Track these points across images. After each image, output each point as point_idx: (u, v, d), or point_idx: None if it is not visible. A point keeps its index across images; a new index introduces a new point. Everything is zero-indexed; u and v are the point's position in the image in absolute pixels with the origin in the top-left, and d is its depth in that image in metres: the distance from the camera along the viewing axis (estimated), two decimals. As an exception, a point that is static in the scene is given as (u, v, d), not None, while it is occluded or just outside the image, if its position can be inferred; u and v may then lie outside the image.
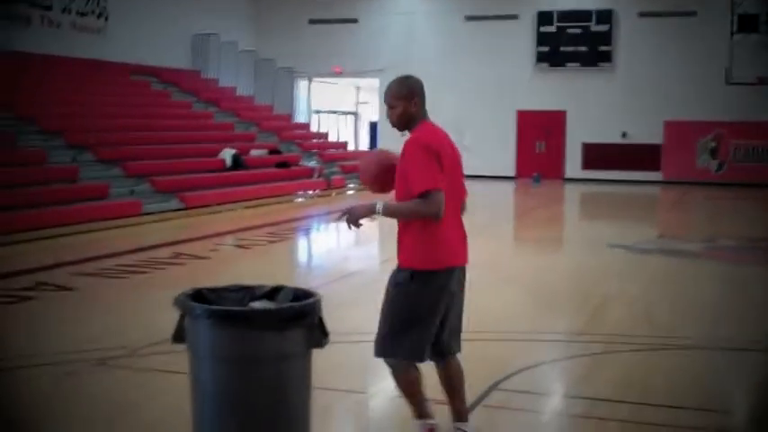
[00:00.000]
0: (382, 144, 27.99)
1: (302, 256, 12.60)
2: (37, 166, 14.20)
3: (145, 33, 22.40)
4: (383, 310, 4.21)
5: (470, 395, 4.54)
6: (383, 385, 5.28)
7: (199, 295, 3.76)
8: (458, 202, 4.27)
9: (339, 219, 4.18)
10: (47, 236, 11.79)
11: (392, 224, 4.24)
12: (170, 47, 23.99)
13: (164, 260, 10.36)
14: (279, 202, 17.99)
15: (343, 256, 12.16)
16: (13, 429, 4.57)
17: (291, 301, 3.79)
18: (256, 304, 3.78)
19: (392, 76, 4.42)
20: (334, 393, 5.18)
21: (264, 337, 3.49)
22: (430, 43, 26.54)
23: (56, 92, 17.64)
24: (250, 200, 17.24)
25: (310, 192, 19.91)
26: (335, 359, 5.15)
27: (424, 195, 3.98)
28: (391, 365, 4.23)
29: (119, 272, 9.44)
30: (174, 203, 15.39)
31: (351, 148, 28.80)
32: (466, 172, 4.49)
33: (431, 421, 4.27)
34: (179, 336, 3.65)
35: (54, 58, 18.90)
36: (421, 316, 4.10)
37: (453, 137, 4.38)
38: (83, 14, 20.79)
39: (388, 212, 4.08)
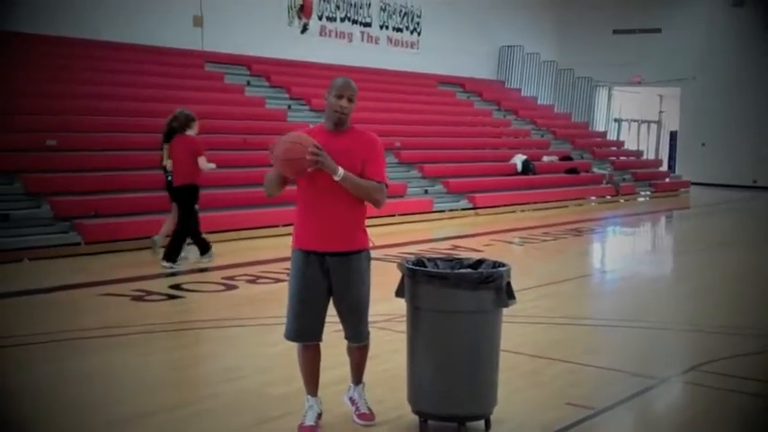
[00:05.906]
0: (681, 153, 27.67)
1: (560, 253, 12.80)
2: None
3: (453, 46, 24.13)
4: (361, 294, 4.66)
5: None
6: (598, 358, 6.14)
7: (420, 262, 4.92)
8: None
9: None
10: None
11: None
12: (478, 59, 25.64)
13: (441, 250, 11.68)
14: (566, 206, 18.78)
15: (602, 256, 13.05)
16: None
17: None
18: (460, 271, 4.86)
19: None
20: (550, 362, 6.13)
21: (459, 294, 4.54)
22: (732, 53, 25.85)
23: (369, 100, 19.72)
24: (536, 203, 18.21)
25: (604, 197, 20.61)
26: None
27: (381, 185, 4.50)
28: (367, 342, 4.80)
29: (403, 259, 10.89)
30: (463, 203, 16.80)
31: (650, 156, 28.74)
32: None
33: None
34: (399, 291, 4.85)
35: (370, 70, 21.13)
36: None
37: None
38: (398, 30, 23.00)
39: (347, 180, 4.38)
